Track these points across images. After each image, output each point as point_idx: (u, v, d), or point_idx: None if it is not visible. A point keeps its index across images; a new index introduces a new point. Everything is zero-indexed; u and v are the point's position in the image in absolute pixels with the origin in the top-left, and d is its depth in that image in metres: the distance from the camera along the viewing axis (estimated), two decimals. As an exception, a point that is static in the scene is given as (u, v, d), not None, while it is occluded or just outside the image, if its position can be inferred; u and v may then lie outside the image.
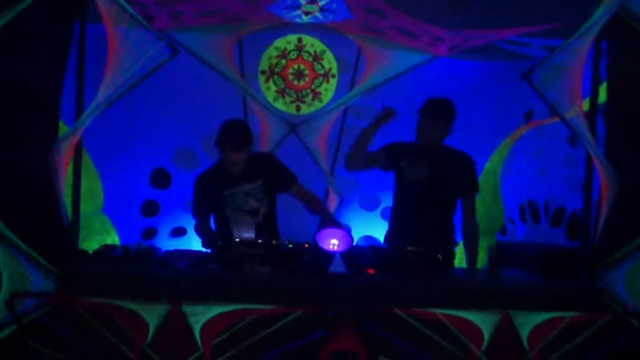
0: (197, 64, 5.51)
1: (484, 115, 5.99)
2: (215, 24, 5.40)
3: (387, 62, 5.60)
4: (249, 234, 4.34)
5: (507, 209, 6.10)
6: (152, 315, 3.16)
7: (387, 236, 4.69)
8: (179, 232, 6.01)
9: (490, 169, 5.88)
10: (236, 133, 4.43)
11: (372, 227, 6.10)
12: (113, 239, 5.49)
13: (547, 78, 3.54)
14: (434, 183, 4.44)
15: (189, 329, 3.19)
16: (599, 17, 3.59)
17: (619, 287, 3.60)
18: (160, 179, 6.15)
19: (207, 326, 3.20)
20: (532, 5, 4.92)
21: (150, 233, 5.95)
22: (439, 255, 3.81)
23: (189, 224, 5.74)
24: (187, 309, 3.18)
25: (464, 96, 5.89)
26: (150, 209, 6.12)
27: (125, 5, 3.45)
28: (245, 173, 4.44)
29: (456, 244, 4.61)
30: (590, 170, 3.73)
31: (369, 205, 6.22)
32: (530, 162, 6.02)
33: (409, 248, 3.81)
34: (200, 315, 3.19)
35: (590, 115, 3.67)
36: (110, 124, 5.36)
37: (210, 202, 4.51)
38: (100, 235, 5.42)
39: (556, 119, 4.26)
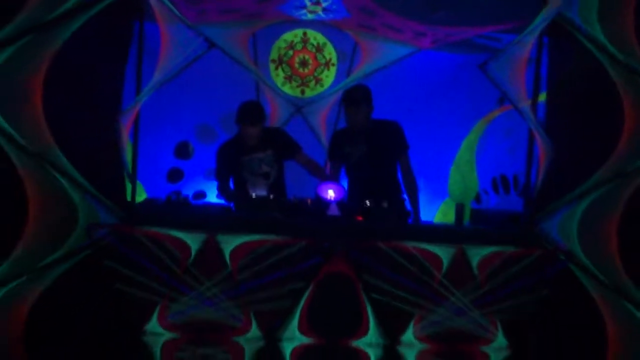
0: (217, 53, 6.32)
1: (461, 100, 6.93)
2: (234, 20, 6.26)
3: (379, 53, 6.56)
4: (262, 193, 5.32)
5: (482, 182, 7.14)
6: (194, 241, 4.29)
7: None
8: (200, 195, 7.07)
9: (467, 146, 6.90)
10: (252, 111, 5.43)
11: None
12: (146, 200, 6.55)
13: (500, 68, 4.61)
14: (373, 154, 5.25)
15: (221, 252, 4.32)
16: (541, 20, 4.62)
17: (553, 232, 4.64)
18: (184, 150, 7.18)
19: (234, 251, 4.32)
20: (501, 7, 5.92)
21: (176, 197, 6.98)
22: (384, 204, 4.73)
23: (208, 188, 6.84)
24: (220, 237, 4.31)
25: (444, 84, 6.96)
26: (176, 175, 7.17)
27: (172, 7, 4.55)
28: (259, 144, 5.44)
29: (402, 196, 5.40)
30: (532, 142, 4.80)
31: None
32: (501, 141, 7.01)
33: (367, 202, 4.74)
34: (229, 243, 4.32)
35: (533, 98, 4.75)
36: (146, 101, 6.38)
37: (230, 167, 5.51)
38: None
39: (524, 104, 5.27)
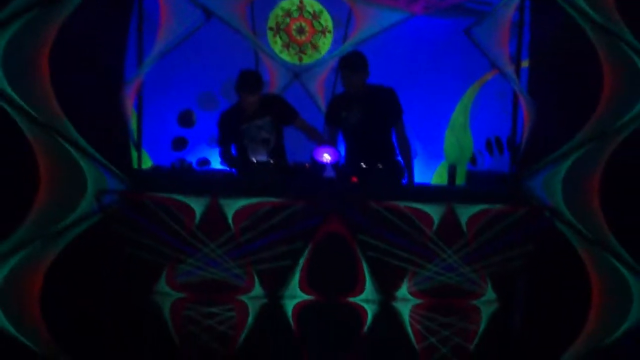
0: (216, 22, 6.28)
1: (455, 64, 7.00)
2: None
3: (373, 20, 6.69)
4: (263, 158, 5.54)
5: (476, 143, 7.36)
6: (198, 205, 4.56)
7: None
8: (204, 162, 7.31)
9: (461, 108, 7.11)
10: (250, 79, 5.60)
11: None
12: (151, 168, 6.78)
13: (484, 32, 4.84)
14: (368, 119, 5.43)
15: (224, 215, 4.60)
16: None
17: (538, 190, 4.91)
18: (187, 118, 7.40)
19: (237, 213, 4.60)
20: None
21: (180, 164, 7.24)
22: (379, 166, 5.00)
23: (211, 155, 7.06)
24: (222, 201, 4.58)
25: (438, 48, 7.11)
26: (180, 143, 7.40)
27: None
28: (258, 111, 5.64)
29: (399, 161, 5.56)
30: (517, 104, 5.05)
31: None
32: (495, 103, 7.20)
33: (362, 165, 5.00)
34: (231, 206, 4.59)
35: (517, 62, 4.97)
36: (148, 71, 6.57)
37: (231, 134, 5.73)
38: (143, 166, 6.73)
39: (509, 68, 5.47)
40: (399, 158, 5.57)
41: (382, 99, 5.47)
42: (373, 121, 5.44)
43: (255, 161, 5.19)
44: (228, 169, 5.55)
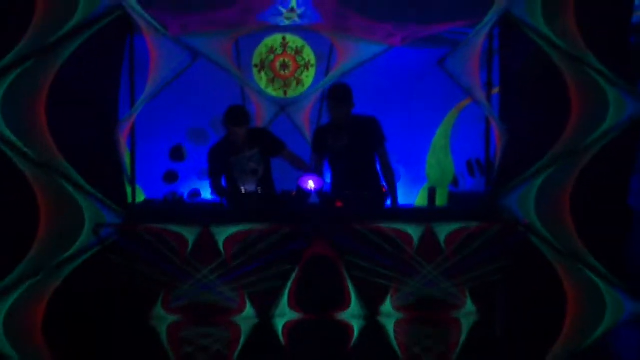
0: (203, 61, 6.67)
1: (435, 91, 7.41)
2: (216, 30, 6.75)
3: (354, 52, 7.07)
4: (252, 188, 5.84)
5: (458, 166, 7.70)
6: (190, 234, 4.83)
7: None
8: (195, 194, 7.62)
9: (442, 132, 7.47)
10: (237, 113, 5.90)
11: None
12: (144, 201, 7.05)
13: (456, 63, 5.14)
14: (353, 147, 5.76)
15: (215, 242, 4.86)
16: (490, 17, 5.17)
17: (513, 207, 5.17)
18: (178, 152, 7.70)
19: (227, 240, 4.87)
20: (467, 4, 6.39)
21: (172, 196, 7.53)
22: (365, 194, 5.30)
23: (202, 187, 7.38)
24: (214, 229, 4.86)
25: (416, 77, 7.49)
26: (171, 177, 7.69)
27: (154, 22, 5.04)
28: (246, 143, 5.93)
29: (382, 186, 5.85)
30: (489, 128, 5.36)
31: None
32: (474, 127, 7.50)
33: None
34: (222, 233, 4.86)
35: (487, 88, 5.31)
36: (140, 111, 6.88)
37: (221, 166, 6.01)
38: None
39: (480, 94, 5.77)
40: (383, 182, 5.89)
41: (366, 127, 5.80)
42: (358, 148, 5.76)
43: (244, 191, 5.48)
44: (218, 199, 5.85)
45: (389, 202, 5.86)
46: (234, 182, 5.98)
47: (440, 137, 7.39)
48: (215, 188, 6.02)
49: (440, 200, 7.29)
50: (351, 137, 5.74)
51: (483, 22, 5.13)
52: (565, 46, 5.10)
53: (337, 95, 5.71)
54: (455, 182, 7.76)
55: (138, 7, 4.97)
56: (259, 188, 5.68)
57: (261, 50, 7.55)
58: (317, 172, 5.87)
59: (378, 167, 5.89)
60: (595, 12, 5.13)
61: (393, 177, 5.88)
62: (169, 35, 5.03)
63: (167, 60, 5.04)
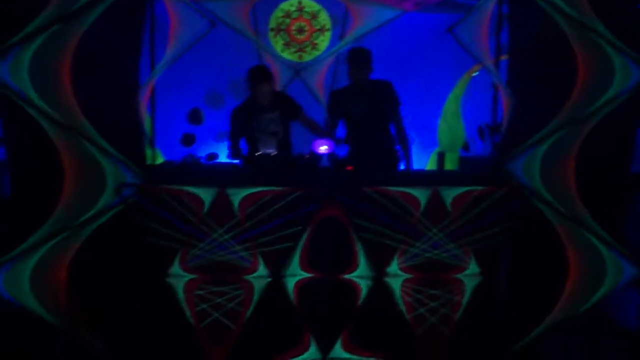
0: (221, 26, 6.75)
1: (446, 57, 7.54)
2: None
3: (368, 17, 7.20)
4: (272, 150, 5.93)
5: (469, 131, 7.84)
6: (207, 195, 5.05)
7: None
8: (212, 157, 7.84)
9: (453, 98, 7.61)
10: (261, 70, 6.15)
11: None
12: (163, 163, 7.27)
13: (466, 30, 5.27)
14: (369, 111, 6.02)
15: (230, 203, 5.06)
16: None
17: (518, 172, 5.24)
18: (195, 116, 7.92)
19: (242, 201, 5.05)
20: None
21: (190, 159, 7.75)
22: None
23: (219, 150, 7.59)
24: (229, 190, 5.06)
25: (429, 42, 7.60)
26: (188, 140, 7.92)
27: None
28: (268, 106, 6.12)
29: (397, 150, 6.18)
30: (497, 94, 5.50)
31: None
32: (485, 93, 7.65)
33: None
34: (237, 195, 5.05)
35: (496, 54, 5.43)
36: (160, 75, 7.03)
37: (242, 127, 6.16)
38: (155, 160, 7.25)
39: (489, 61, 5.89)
40: (398, 147, 6.08)
41: (383, 92, 6.00)
42: (375, 113, 5.97)
43: (260, 153, 5.69)
44: (235, 161, 6.06)
45: (402, 166, 6.09)
46: (254, 143, 6.13)
47: (452, 103, 7.53)
48: (233, 149, 6.20)
49: (451, 165, 7.47)
50: (369, 102, 5.91)
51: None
52: (573, 13, 5.15)
53: (358, 59, 5.90)
54: (466, 147, 7.91)
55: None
56: (278, 150, 5.85)
57: (277, 14, 7.70)
58: (332, 134, 6.06)
59: (393, 132, 6.08)
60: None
61: (407, 141, 6.11)
62: (188, 2, 5.18)
63: (186, 27, 5.23)
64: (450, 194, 5.18)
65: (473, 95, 7.62)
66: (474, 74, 7.42)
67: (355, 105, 5.96)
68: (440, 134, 7.59)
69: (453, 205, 5.18)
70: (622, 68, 5.19)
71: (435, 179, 5.38)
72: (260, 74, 5.97)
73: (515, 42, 5.41)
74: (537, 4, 5.17)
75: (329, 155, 5.39)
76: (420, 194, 5.16)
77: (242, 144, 6.28)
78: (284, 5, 7.67)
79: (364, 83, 5.95)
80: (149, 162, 5.39)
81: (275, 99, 6.12)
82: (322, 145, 5.40)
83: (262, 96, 5.99)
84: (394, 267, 5.24)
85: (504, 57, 5.52)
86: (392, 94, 6.02)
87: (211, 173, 5.44)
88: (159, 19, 5.41)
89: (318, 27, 7.75)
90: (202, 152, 7.90)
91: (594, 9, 5.20)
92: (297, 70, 7.64)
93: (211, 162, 7.73)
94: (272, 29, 7.71)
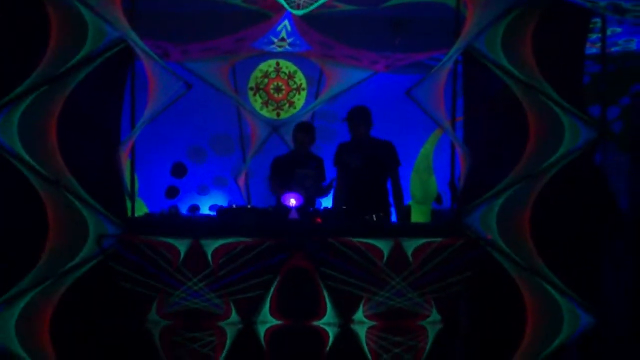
0: (202, 85, 7.41)
1: (417, 115, 7.80)
2: (215, 56, 7.37)
3: (341, 77, 7.59)
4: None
5: (441, 185, 8.16)
6: (182, 245, 5.38)
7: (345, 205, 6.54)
8: (194, 208, 8.18)
9: (425, 153, 7.92)
10: (303, 123, 6.91)
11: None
12: (146, 215, 7.57)
13: (423, 93, 5.64)
14: (368, 166, 6.52)
15: (204, 253, 5.38)
16: (454, 50, 5.64)
17: (476, 224, 5.60)
18: (179, 169, 8.29)
19: (215, 251, 5.38)
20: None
21: (174, 210, 8.04)
22: (380, 214, 5.95)
23: (201, 202, 7.95)
24: (203, 241, 5.39)
25: (401, 101, 7.92)
26: (172, 192, 8.26)
27: (154, 55, 5.56)
28: (308, 158, 6.80)
29: (390, 205, 6.71)
30: (454, 152, 5.88)
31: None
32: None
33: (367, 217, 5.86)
34: (211, 245, 5.38)
35: (452, 114, 5.84)
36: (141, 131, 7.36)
37: (283, 175, 6.65)
38: (137, 212, 7.55)
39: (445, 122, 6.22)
40: (390, 200, 6.61)
41: (381, 149, 6.53)
42: (373, 167, 6.50)
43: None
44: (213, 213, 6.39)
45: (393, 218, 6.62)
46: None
47: (423, 158, 7.87)
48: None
49: (424, 217, 7.81)
50: (367, 157, 6.46)
51: (447, 57, 5.61)
52: (523, 76, 5.56)
53: (356, 117, 6.53)
54: (439, 200, 8.27)
55: (139, 40, 5.46)
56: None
57: (256, 74, 8.12)
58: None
59: (388, 187, 6.68)
60: (551, 44, 5.59)
61: (402, 198, 6.70)
62: (164, 65, 5.54)
63: (164, 88, 5.54)
64: (411, 245, 5.50)
65: (445, 149, 7.93)
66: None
67: (352, 157, 6.51)
68: (413, 188, 7.93)
69: (414, 255, 5.49)
70: (570, 127, 5.58)
71: (396, 230, 5.73)
72: (300, 126, 6.84)
73: (469, 104, 5.80)
74: (488, 68, 5.59)
75: (298, 208, 5.75)
76: (383, 245, 5.49)
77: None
78: (262, 66, 8.08)
79: (364, 138, 6.53)
80: (129, 214, 5.73)
81: (314, 157, 6.92)
82: (291, 198, 5.77)
83: (300, 146, 6.84)
84: (359, 315, 5.53)
85: (460, 119, 5.92)
86: (392, 153, 6.63)
87: (187, 224, 5.79)
88: (141, 77, 5.76)
89: (294, 86, 8.15)
90: (185, 204, 8.25)
91: (542, 73, 5.61)
92: (275, 127, 8.01)
93: (194, 213, 8.08)
94: (251, 88, 8.11)
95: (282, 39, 6.90)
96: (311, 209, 6.15)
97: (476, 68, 5.67)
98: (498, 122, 5.68)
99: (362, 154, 6.50)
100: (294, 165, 6.60)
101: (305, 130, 6.80)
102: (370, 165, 6.52)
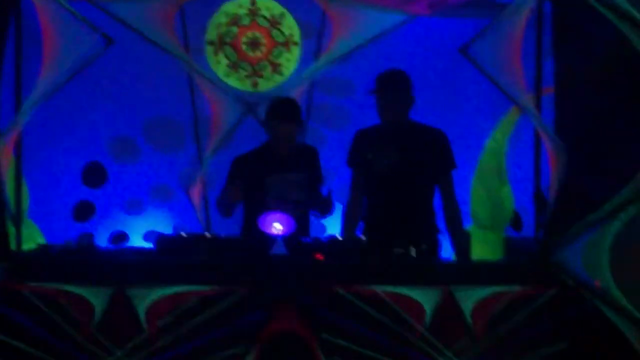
0: (134, 39, 7.01)
1: (477, 83, 7.67)
2: None
3: (356, 25, 7.48)
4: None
5: (519, 198, 8.07)
6: (98, 298, 5.35)
7: (365, 232, 6.54)
8: (120, 238, 8.13)
9: (493, 148, 7.75)
10: (286, 104, 6.59)
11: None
12: (42, 246, 7.52)
13: (485, 51, 5.64)
14: (405, 167, 6.37)
15: (134, 310, 5.34)
16: None
17: (576, 262, 5.58)
18: (94, 174, 8.23)
19: (152, 307, 5.34)
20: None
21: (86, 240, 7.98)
22: (423, 246, 5.86)
23: (131, 227, 7.93)
24: (131, 292, 5.36)
25: (452, 63, 7.91)
26: (84, 211, 8.21)
27: None
28: (292, 158, 6.59)
29: (439, 231, 6.62)
30: (539, 146, 5.84)
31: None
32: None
33: (396, 250, 5.74)
34: (144, 298, 5.35)
35: (536, 86, 5.81)
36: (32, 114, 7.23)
37: (249, 180, 6.51)
38: (26, 243, 7.50)
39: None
40: (440, 225, 6.48)
41: (429, 142, 6.41)
42: (414, 169, 6.35)
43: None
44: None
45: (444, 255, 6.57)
46: (259, 210, 6.20)
47: (491, 155, 7.74)
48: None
49: (493, 251, 7.75)
50: (405, 152, 6.35)
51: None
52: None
53: (389, 87, 6.35)
54: (516, 223, 8.12)
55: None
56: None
57: (219, 20, 8.03)
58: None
59: (436, 201, 6.51)
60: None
61: (460, 219, 6.55)
62: (72, 9, 5.50)
63: (71, 44, 5.53)
64: (471, 298, 5.49)
65: (525, 142, 7.82)
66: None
67: (381, 154, 6.38)
68: (475, 204, 7.81)
69: (476, 314, 5.48)
70: None
71: (448, 273, 5.72)
72: (281, 110, 6.51)
73: (563, 69, 5.76)
74: (594, 10, 5.51)
75: (286, 238, 5.70)
76: (425, 298, 5.46)
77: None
78: (228, 7, 7.96)
79: (400, 125, 6.41)
80: (12, 246, 5.71)
81: (304, 154, 6.72)
82: (275, 221, 5.72)
83: (283, 141, 6.56)
84: (384, 414, 5.53)
85: (548, 91, 5.89)
86: (444, 149, 6.47)
87: (107, 264, 5.78)
88: (31, 27, 5.72)
89: (281, 39, 8.08)
90: (106, 230, 8.18)
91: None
92: (250, 104, 7.97)
93: (117, 246, 8.03)
94: (210, 43, 8.03)
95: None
96: (306, 238, 6.14)
97: (576, 10, 5.64)
98: (610, 99, 5.65)
99: (397, 149, 6.43)
100: (268, 168, 6.54)
101: (289, 116, 6.55)
102: (408, 167, 6.42)
